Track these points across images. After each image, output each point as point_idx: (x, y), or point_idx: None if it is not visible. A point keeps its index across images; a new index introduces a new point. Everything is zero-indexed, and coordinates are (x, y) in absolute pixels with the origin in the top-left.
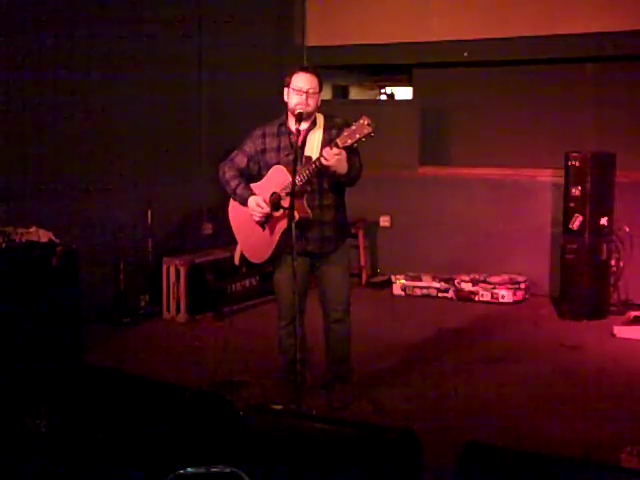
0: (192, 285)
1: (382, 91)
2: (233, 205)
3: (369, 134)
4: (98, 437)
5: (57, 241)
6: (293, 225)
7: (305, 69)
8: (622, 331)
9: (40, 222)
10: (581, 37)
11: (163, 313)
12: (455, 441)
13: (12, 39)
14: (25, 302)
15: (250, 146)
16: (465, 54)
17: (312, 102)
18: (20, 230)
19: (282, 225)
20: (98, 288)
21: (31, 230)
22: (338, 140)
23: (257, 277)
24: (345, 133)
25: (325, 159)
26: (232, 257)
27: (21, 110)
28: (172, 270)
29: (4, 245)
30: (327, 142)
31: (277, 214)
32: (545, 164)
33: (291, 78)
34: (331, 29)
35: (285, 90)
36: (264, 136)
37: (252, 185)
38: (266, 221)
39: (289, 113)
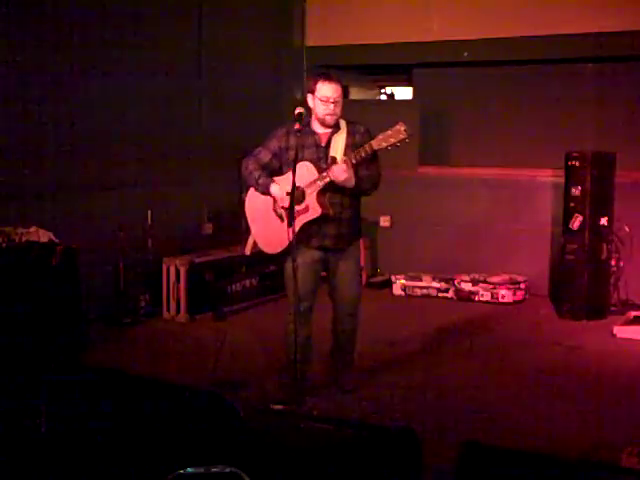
0: (192, 285)
1: (382, 91)
2: (252, 196)
3: (404, 140)
4: (98, 437)
5: (57, 241)
6: (294, 226)
7: (329, 78)
8: (622, 331)
9: (40, 222)
10: (581, 37)
11: (163, 313)
12: (455, 441)
13: (12, 39)
14: (25, 302)
15: (274, 143)
16: (465, 54)
17: (338, 110)
18: (20, 230)
19: (302, 218)
20: (98, 288)
21: (31, 230)
22: (373, 142)
23: (257, 277)
24: (380, 136)
25: (336, 174)
26: (232, 257)
27: (21, 110)
28: (172, 270)
29: (4, 245)
30: (351, 145)
31: (298, 207)
32: (545, 164)
33: (315, 86)
34: (331, 29)
35: (309, 96)
36: (288, 134)
37: (275, 178)
38: (294, 205)
39: (313, 116)
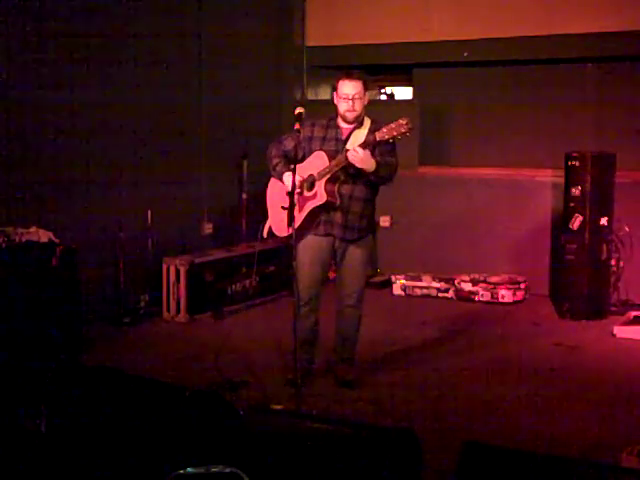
0: (192, 285)
1: (382, 91)
2: (272, 183)
3: (405, 133)
4: (98, 437)
5: (57, 241)
6: (294, 225)
7: (349, 76)
8: (622, 331)
9: (40, 222)
10: (581, 37)
11: (163, 313)
12: (455, 441)
13: (11, 38)
14: (25, 302)
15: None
16: (465, 54)
17: (358, 106)
18: (20, 230)
19: (310, 204)
20: (98, 288)
21: (31, 230)
22: (377, 134)
23: (257, 277)
24: (385, 129)
25: (350, 156)
26: (232, 257)
27: (21, 110)
28: (172, 270)
29: (4, 245)
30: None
31: (308, 194)
32: (545, 164)
33: (337, 84)
34: (331, 29)
35: (334, 94)
36: (313, 125)
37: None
38: (293, 205)
39: (338, 113)
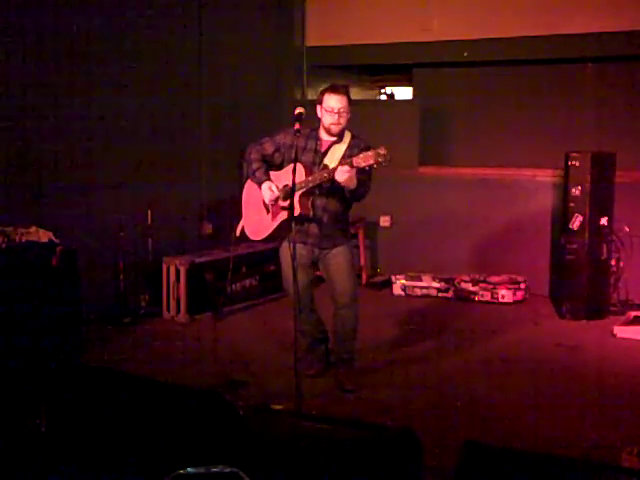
0: (192, 285)
1: (382, 91)
2: (249, 185)
3: (381, 163)
4: (98, 437)
5: (57, 241)
6: (293, 224)
7: (335, 90)
8: (622, 331)
9: (40, 222)
10: (581, 37)
11: (163, 313)
12: (455, 441)
13: (12, 38)
14: (25, 302)
15: (281, 138)
16: (465, 54)
17: (343, 120)
18: (20, 230)
19: (284, 214)
20: (98, 288)
21: (31, 230)
22: (353, 159)
23: (257, 277)
24: (361, 155)
25: (338, 175)
26: (232, 257)
27: (21, 110)
28: (172, 270)
29: (4, 245)
30: (347, 157)
31: (283, 204)
32: (545, 164)
33: (322, 97)
34: (331, 29)
35: (318, 107)
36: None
37: (271, 173)
38: (274, 203)
39: (321, 125)
